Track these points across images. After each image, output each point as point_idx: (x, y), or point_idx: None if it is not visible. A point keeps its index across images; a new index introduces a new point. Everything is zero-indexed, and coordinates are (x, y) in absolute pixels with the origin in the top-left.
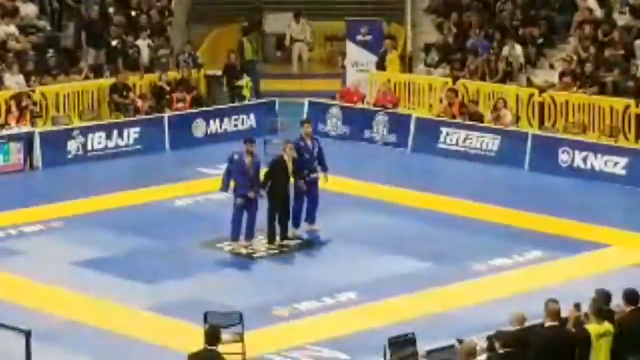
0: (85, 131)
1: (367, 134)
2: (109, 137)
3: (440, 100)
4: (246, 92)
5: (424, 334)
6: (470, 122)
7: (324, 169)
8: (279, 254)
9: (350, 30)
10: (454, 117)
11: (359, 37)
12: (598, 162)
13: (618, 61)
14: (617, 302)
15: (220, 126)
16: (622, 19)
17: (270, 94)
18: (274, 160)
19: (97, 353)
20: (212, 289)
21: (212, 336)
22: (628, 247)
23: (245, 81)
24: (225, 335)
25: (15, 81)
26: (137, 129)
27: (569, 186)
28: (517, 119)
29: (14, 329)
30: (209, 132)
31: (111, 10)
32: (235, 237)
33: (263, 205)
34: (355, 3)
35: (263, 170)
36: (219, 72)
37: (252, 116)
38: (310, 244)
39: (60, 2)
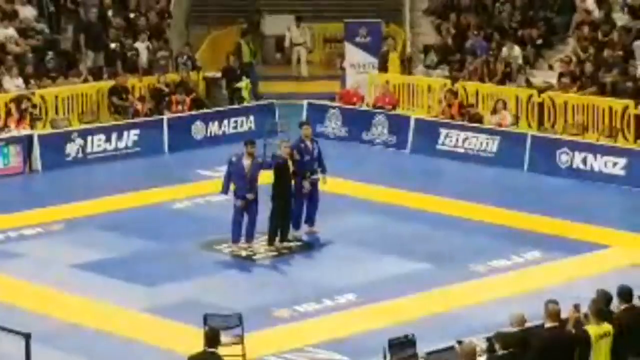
0: (84, 134)
1: (366, 135)
2: (108, 139)
3: (440, 102)
4: (245, 94)
5: (423, 336)
6: (470, 123)
7: (323, 171)
8: (279, 256)
9: (349, 32)
10: (453, 118)
11: (358, 39)
12: (597, 163)
13: (617, 62)
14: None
15: (220, 128)
16: (621, 19)
17: (269, 96)
18: (278, 164)
19: (97, 356)
20: (212, 291)
21: (212, 338)
22: (627, 247)
23: (244, 83)
24: (225, 337)
25: (14, 84)
26: (137, 132)
27: (568, 187)
28: (517, 119)
29: (14, 332)
30: (208, 134)
31: (110, 13)
32: (235, 239)
33: (263, 206)
34: (354, 5)
35: (264, 173)
36: (218, 74)
37: (251, 118)
38: (310, 246)
39: (58, 5)
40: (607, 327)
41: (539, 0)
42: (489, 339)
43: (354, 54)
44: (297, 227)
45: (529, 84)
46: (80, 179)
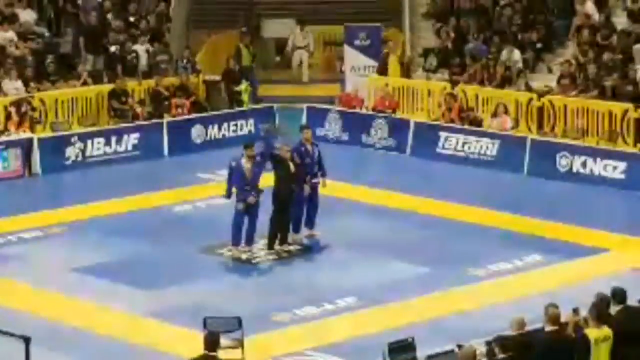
0: (84, 137)
1: (365, 138)
2: (108, 143)
3: (439, 105)
4: (245, 98)
5: (423, 339)
6: (469, 127)
7: (323, 174)
8: (279, 259)
9: (348, 35)
10: (452, 121)
11: (358, 42)
12: (597, 167)
13: (617, 66)
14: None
15: (219, 132)
16: (621, 23)
17: (269, 100)
18: (276, 163)
19: (97, 359)
20: (212, 294)
21: (212, 342)
22: (627, 251)
23: (244, 86)
24: (224, 340)
25: (14, 87)
26: (136, 135)
27: (568, 190)
28: (516, 123)
29: (13, 335)
30: (207, 137)
31: (110, 16)
32: (235, 243)
33: (263, 210)
34: (353, 8)
35: (265, 175)
36: (218, 78)
37: (251, 121)
38: (310, 249)
39: (58, 8)
40: (606, 331)
41: (538, 4)
42: (488, 343)
43: (353, 58)
44: (297, 230)
45: (528, 88)
46: (80, 182)
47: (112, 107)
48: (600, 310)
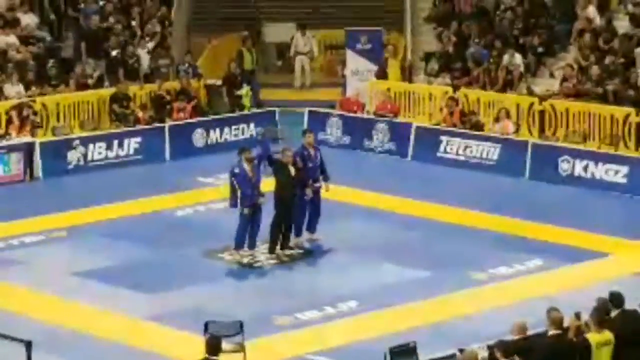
0: (85, 141)
1: (367, 143)
2: (109, 147)
3: (441, 109)
4: (246, 102)
5: (425, 344)
6: (471, 131)
7: (325, 178)
8: (280, 263)
9: (350, 40)
10: (454, 126)
11: (359, 46)
12: (598, 171)
13: (618, 70)
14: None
15: (221, 136)
16: (622, 27)
17: (270, 104)
18: (274, 166)
19: None
20: (213, 298)
21: (213, 346)
22: (629, 255)
23: (245, 90)
24: (226, 345)
25: (15, 91)
26: (138, 139)
27: (569, 195)
28: (518, 127)
29: (15, 339)
30: (209, 141)
31: (111, 20)
32: (239, 247)
33: (264, 214)
34: (355, 12)
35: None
36: (219, 82)
37: (252, 126)
38: (312, 253)
39: (59, 12)
40: (608, 335)
41: (540, 8)
42: (490, 347)
43: (354, 62)
44: (298, 234)
45: (530, 93)
46: (82, 186)
47: (113, 111)
48: (601, 315)
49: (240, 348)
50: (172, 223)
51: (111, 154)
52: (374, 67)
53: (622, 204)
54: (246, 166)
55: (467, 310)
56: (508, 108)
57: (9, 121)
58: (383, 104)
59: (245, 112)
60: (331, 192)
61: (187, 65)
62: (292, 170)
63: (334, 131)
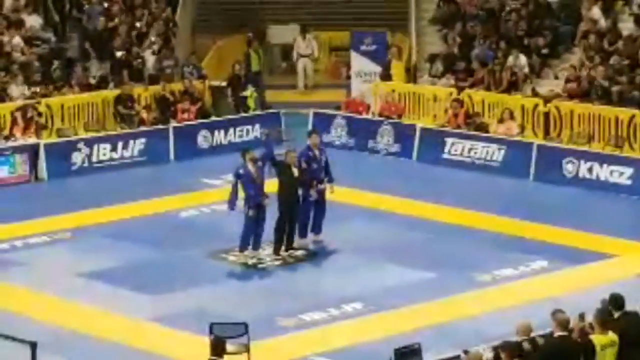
0: (90, 143)
1: (372, 144)
2: (114, 148)
3: (445, 111)
4: (251, 103)
5: (430, 345)
6: (475, 133)
7: (330, 180)
8: (285, 265)
9: (354, 41)
10: (459, 127)
11: (364, 48)
12: (603, 172)
13: (623, 71)
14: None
15: (225, 137)
16: (627, 29)
17: (275, 105)
18: (277, 168)
19: None
20: (217, 299)
21: (218, 347)
22: (634, 257)
23: (249, 92)
24: (230, 346)
25: (20, 92)
26: (142, 140)
27: (574, 196)
28: (522, 129)
29: (19, 340)
30: (214, 143)
31: (116, 21)
32: (244, 248)
33: (269, 215)
34: (359, 14)
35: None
36: (224, 83)
37: (257, 127)
38: (316, 254)
39: (64, 13)
40: (612, 336)
41: (544, 10)
42: (495, 349)
43: (359, 63)
44: (303, 235)
45: (535, 94)
46: (86, 187)
47: (118, 113)
48: (604, 316)
49: (245, 349)
50: (176, 224)
51: (116, 155)
52: (379, 69)
53: (627, 206)
54: (250, 167)
55: (472, 311)
56: (511, 109)
57: (14, 122)
58: (388, 106)
59: (250, 113)
60: (336, 194)
61: (191, 66)
62: (296, 172)
63: (338, 132)
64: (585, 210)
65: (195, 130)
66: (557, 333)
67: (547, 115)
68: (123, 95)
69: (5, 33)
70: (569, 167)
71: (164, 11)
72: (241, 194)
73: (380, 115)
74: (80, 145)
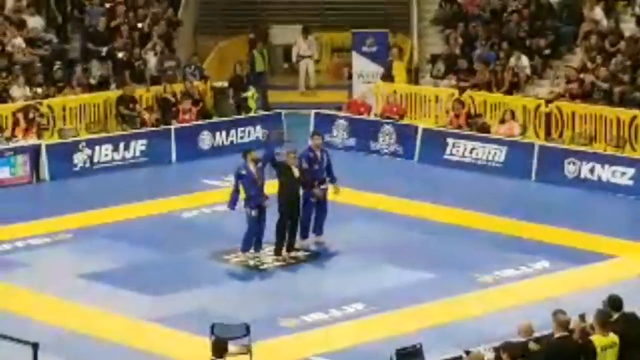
0: (92, 143)
1: (373, 145)
2: (115, 149)
3: (447, 111)
4: (252, 104)
5: (431, 346)
6: (477, 133)
7: (332, 180)
8: (286, 266)
9: (356, 42)
10: (460, 128)
11: (365, 49)
12: (605, 173)
13: (625, 72)
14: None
15: (227, 138)
16: (629, 29)
17: (276, 106)
18: (278, 169)
19: None
20: (219, 300)
21: (219, 348)
22: (635, 257)
23: (251, 93)
24: (232, 347)
25: (22, 93)
26: (144, 141)
27: (575, 197)
28: (524, 129)
29: (21, 341)
30: (215, 144)
31: (118, 20)
32: (245, 249)
33: (270, 216)
34: (361, 14)
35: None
36: (226, 84)
37: (258, 128)
38: (318, 255)
39: (66, 14)
40: (613, 338)
41: (546, 10)
42: (496, 349)
43: (361, 64)
44: (304, 236)
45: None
46: (88, 188)
47: (120, 114)
48: (605, 318)
49: (247, 350)
50: (177, 225)
51: (117, 156)
52: (380, 70)
53: (629, 206)
54: (252, 168)
55: (473, 312)
56: (513, 109)
57: (16, 123)
58: (389, 107)
59: (251, 114)
60: (337, 194)
61: (193, 67)
62: (296, 172)
63: (340, 133)
64: (586, 210)
65: (196, 131)
66: (557, 334)
67: (548, 115)
68: (125, 96)
69: (7, 34)
70: (570, 168)
71: (166, 12)
72: (242, 195)
73: (381, 116)
74: (82, 146)
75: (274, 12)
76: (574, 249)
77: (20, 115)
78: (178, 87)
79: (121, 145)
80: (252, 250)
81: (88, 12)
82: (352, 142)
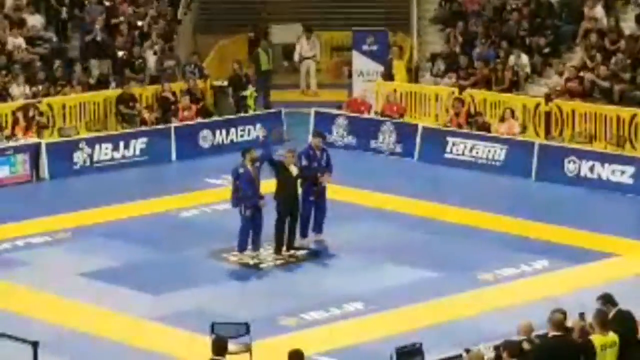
0: (91, 142)
1: (373, 144)
2: (115, 148)
3: (447, 110)
4: (250, 103)
5: (431, 344)
6: (477, 132)
7: (330, 171)
8: (286, 264)
9: (356, 41)
10: (460, 126)
11: (365, 47)
12: (605, 172)
13: (625, 70)
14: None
15: (227, 137)
16: (628, 28)
17: (276, 105)
18: (275, 168)
19: None
20: (219, 299)
21: (220, 347)
22: (635, 256)
23: (249, 92)
24: (232, 346)
25: (21, 92)
26: (144, 140)
27: (575, 195)
28: (524, 128)
29: (21, 340)
30: (215, 142)
31: (121, 19)
32: (242, 249)
33: (270, 214)
34: (361, 13)
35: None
36: (225, 83)
37: (258, 126)
38: (317, 254)
39: (66, 13)
40: (613, 337)
41: (546, 9)
42: (496, 348)
43: (361, 63)
44: (304, 235)
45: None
46: (88, 187)
47: (119, 112)
48: (604, 317)
49: (247, 349)
50: (177, 224)
51: (117, 155)
52: (380, 68)
53: (629, 205)
54: (249, 167)
55: (474, 310)
56: (513, 108)
57: (15, 122)
58: (389, 105)
59: (250, 113)
60: (337, 193)
61: (193, 65)
62: (294, 171)
63: (340, 132)
64: (586, 209)
65: (196, 130)
66: (552, 333)
67: (548, 114)
68: (125, 95)
69: (6, 32)
70: (570, 167)
71: (166, 11)
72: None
73: (381, 114)
74: (82, 144)
75: (274, 11)
76: (574, 248)
77: (20, 114)
78: (178, 86)
79: (121, 144)
80: (251, 250)
81: (87, 10)
82: (352, 140)
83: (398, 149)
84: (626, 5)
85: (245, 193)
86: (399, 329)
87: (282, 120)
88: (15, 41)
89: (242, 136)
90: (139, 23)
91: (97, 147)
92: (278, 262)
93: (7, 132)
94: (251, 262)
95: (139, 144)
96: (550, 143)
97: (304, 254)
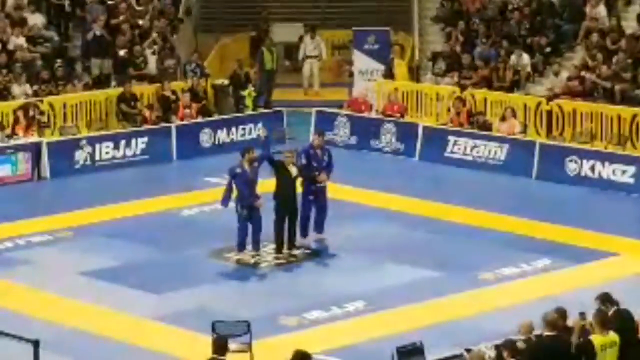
0: (92, 141)
1: (374, 143)
2: (116, 147)
3: (448, 109)
4: (248, 102)
5: (431, 343)
6: (478, 131)
7: (329, 170)
8: (287, 264)
9: (357, 39)
10: (461, 125)
11: (366, 46)
12: (606, 171)
13: (626, 70)
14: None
15: (228, 136)
16: (630, 27)
17: (278, 104)
18: (275, 167)
19: None
20: (220, 298)
21: (220, 346)
22: (636, 255)
23: (247, 91)
24: (233, 345)
25: (22, 91)
26: (145, 139)
27: (576, 195)
28: (525, 127)
29: (22, 339)
30: (216, 141)
31: (121, 18)
32: (241, 248)
33: (270, 214)
34: (362, 12)
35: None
36: (226, 82)
37: (259, 125)
38: (318, 253)
39: (67, 12)
40: (613, 337)
41: (547, 8)
42: (497, 347)
43: (362, 62)
44: (304, 234)
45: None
46: (89, 186)
47: (120, 111)
48: (605, 317)
49: (247, 348)
50: (178, 223)
51: (118, 154)
52: (382, 67)
53: (630, 204)
54: (247, 167)
55: (474, 310)
56: (514, 107)
57: (16, 121)
58: (390, 105)
59: (248, 112)
60: (338, 192)
61: (194, 65)
62: (294, 171)
63: (341, 131)
64: (587, 208)
65: (197, 129)
66: (546, 332)
67: (549, 113)
68: (126, 94)
69: (7, 31)
70: (571, 166)
71: (167, 10)
72: (234, 193)
73: (382, 113)
74: (83, 143)
75: (275, 10)
76: (575, 247)
77: (20, 113)
78: (178, 85)
79: (122, 143)
80: (251, 249)
81: (88, 9)
82: (353, 140)
83: (399, 148)
84: (627, 4)
85: (241, 193)
86: (400, 328)
87: (283, 120)
88: (17, 40)
89: (243, 135)
90: (140, 22)
91: (98, 146)
92: (278, 261)
93: (8, 131)
94: (252, 261)
95: (140, 143)
96: (551, 142)
97: (305, 253)
